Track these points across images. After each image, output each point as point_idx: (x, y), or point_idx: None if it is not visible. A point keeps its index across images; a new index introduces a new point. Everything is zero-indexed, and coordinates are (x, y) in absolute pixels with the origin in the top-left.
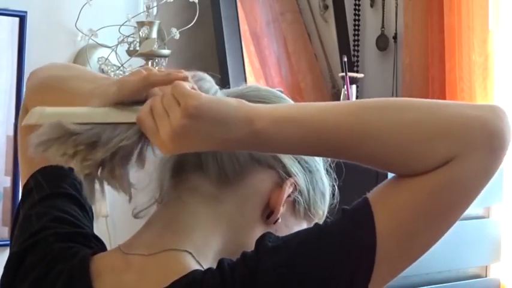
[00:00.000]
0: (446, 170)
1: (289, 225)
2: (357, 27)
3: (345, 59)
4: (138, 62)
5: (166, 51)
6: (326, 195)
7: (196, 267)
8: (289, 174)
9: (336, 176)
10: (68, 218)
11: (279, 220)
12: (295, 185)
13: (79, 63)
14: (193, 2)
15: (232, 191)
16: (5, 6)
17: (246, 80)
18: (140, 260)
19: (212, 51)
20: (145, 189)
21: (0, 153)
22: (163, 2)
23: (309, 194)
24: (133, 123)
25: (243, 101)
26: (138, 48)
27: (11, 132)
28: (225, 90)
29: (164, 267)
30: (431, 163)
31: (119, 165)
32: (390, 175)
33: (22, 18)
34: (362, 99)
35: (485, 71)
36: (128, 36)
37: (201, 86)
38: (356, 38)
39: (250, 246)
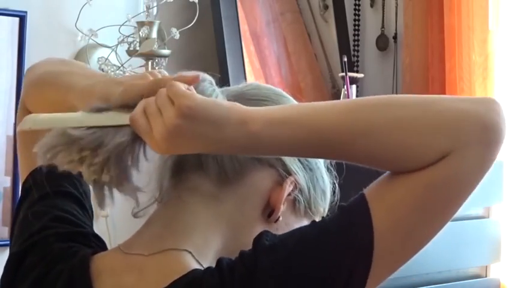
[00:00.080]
0: (442, 165)
1: (289, 223)
2: (357, 27)
3: (345, 59)
4: (138, 62)
5: (166, 51)
6: (327, 193)
7: (197, 266)
8: (289, 173)
9: (336, 174)
10: (68, 217)
11: (280, 218)
12: (295, 184)
13: None
14: (193, 2)
15: (232, 190)
16: (5, 6)
17: (246, 80)
18: (140, 260)
19: (212, 51)
20: (145, 188)
21: (0, 153)
22: (163, 2)
23: (309, 192)
24: (127, 125)
25: (237, 103)
26: (138, 48)
27: (11, 132)
28: (224, 89)
29: (164, 267)
30: (428, 159)
31: (116, 167)
32: None
33: (22, 18)
34: (357, 98)
35: (485, 71)
36: (128, 36)
37: (197, 87)
38: (356, 38)
39: (251, 245)
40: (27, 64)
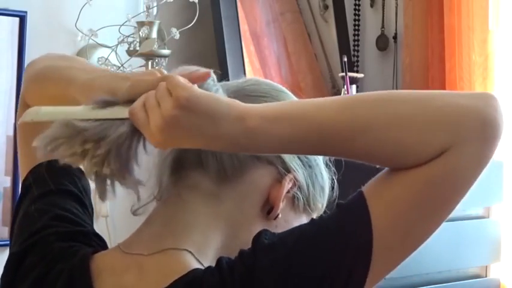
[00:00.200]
0: (440, 161)
1: (288, 220)
2: (357, 27)
3: (345, 59)
4: (138, 62)
5: (166, 51)
6: (325, 189)
7: (197, 266)
8: (288, 170)
9: (335, 170)
10: (69, 216)
11: (279, 216)
12: (294, 181)
13: None
14: (193, 2)
15: (231, 188)
16: (5, 6)
17: None
18: (140, 260)
19: (212, 51)
20: (145, 184)
21: (0, 153)
22: (163, 2)
23: (308, 189)
24: (127, 119)
25: (237, 100)
26: (138, 48)
27: (11, 132)
28: (224, 83)
29: (164, 267)
30: (426, 155)
31: (116, 160)
32: None
33: (22, 18)
34: (357, 93)
35: (485, 71)
36: (128, 36)
37: (201, 85)
38: (356, 38)
39: (250, 243)
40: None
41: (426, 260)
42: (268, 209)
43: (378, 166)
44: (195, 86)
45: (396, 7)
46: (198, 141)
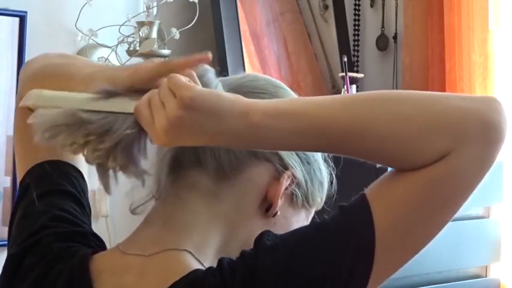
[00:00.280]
0: (442, 163)
1: (287, 217)
2: (357, 27)
3: (345, 59)
4: (138, 62)
5: (166, 51)
6: (324, 184)
7: (197, 266)
8: (286, 167)
9: (333, 166)
10: (68, 216)
11: (278, 213)
12: (292, 178)
13: None
14: (193, 2)
15: (230, 186)
16: (5, 6)
17: None
18: (140, 261)
19: (212, 51)
20: (145, 180)
21: (0, 153)
22: (163, 2)
23: (306, 186)
24: (132, 114)
25: (240, 96)
26: (138, 48)
27: (11, 132)
28: (221, 79)
29: (164, 268)
30: (429, 157)
31: (122, 155)
32: (389, 168)
33: (22, 18)
34: (358, 92)
35: (485, 71)
36: (128, 36)
37: (202, 77)
38: (356, 38)
39: (251, 241)
40: None
41: (426, 260)
42: (267, 207)
43: (377, 165)
44: (197, 85)
45: (396, 7)
46: (202, 138)
